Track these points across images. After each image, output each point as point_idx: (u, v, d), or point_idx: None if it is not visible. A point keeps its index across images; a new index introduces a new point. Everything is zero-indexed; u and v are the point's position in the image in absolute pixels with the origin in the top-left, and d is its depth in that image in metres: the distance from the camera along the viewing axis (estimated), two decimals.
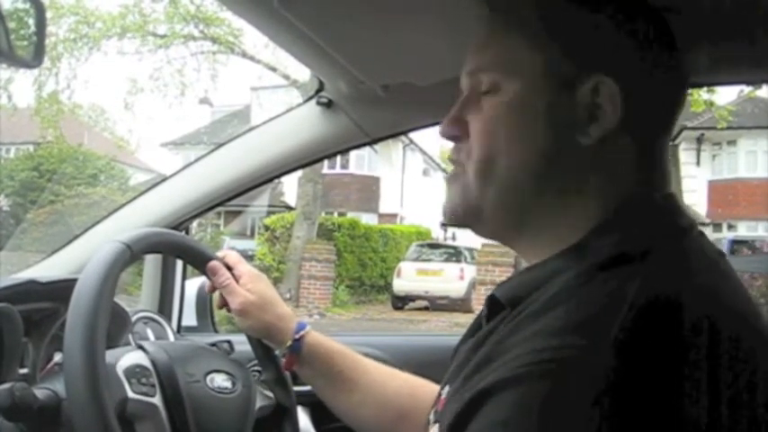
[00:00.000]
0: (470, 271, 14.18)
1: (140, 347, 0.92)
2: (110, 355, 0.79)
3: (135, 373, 0.86)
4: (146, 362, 0.88)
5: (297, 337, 1.00)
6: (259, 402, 0.98)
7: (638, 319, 0.53)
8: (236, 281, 1.00)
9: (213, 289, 1.02)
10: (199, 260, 1.01)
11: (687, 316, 0.54)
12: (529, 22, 0.68)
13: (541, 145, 0.66)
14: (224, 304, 1.01)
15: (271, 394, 1.02)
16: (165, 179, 1.54)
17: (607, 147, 0.65)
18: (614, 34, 0.66)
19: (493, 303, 0.70)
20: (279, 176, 1.49)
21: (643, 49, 0.66)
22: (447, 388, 0.70)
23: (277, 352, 1.03)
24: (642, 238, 0.61)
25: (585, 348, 0.52)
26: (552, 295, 0.59)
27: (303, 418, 1.17)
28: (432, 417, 0.70)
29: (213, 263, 1.00)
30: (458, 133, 0.71)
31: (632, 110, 0.64)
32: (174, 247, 1.01)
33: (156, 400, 0.86)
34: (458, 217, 0.72)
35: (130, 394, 0.84)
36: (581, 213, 0.65)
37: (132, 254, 0.83)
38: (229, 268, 1.01)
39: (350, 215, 18.78)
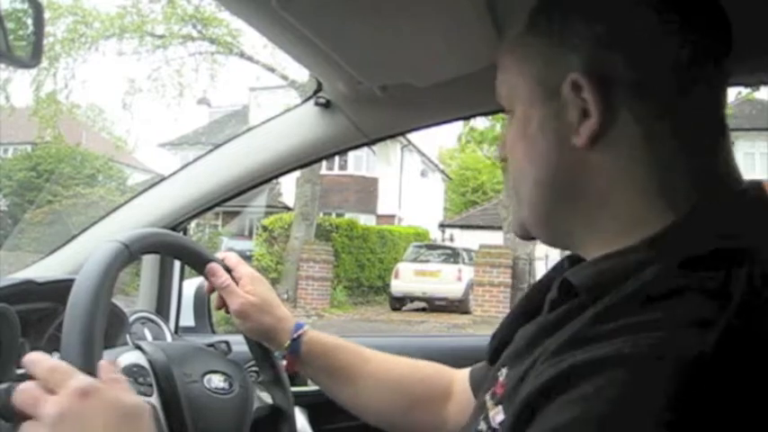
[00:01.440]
0: (468, 272, 14.20)
1: (138, 347, 0.92)
2: (107, 354, 0.79)
3: (132, 372, 0.86)
4: (143, 362, 0.88)
5: (294, 336, 1.00)
6: (256, 404, 0.97)
7: (745, 324, 0.51)
8: (236, 283, 1.00)
9: (212, 290, 1.02)
10: (198, 261, 1.00)
11: None
12: (512, 47, 0.72)
13: (545, 157, 0.67)
14: (223, 305, 1.01)
15: (268, 396, 1.02)
16: (163, 179, 1.54)
17: (617, 141, 0.63)
18: (581, 28, 0.65)
19: (567, 288, 0.66)
20: (277, 177, 1.49)
21: (617, 29, 0.64)
22: (504, 370, 0.69)
23: (277, 354, 1.03)
24: (734, 233, 0.59)
25: (697, 344, 0.49)
26: (648, 288, 0.56)
27: (300, 419, 1.17)
28: (488, 399, 0.69)
29: (213, 264, 1.00)
30: (504, 155, 0.75)
31: (630, 91, 0.62)
32: (173, 248, 1.01)
33: (154, 399, 0.86)
34: (517, 234, 0.76)
35: None
36: (639, 207, 0.63)
37: (130, 253, 0.83)
38: (229, 270, 1.01)
39: (348, 216, 18.80)
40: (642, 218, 0.62)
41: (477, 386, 0.89)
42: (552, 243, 0.74)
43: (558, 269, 0.78)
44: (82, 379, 0.64)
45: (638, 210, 0.63)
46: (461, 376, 0.99)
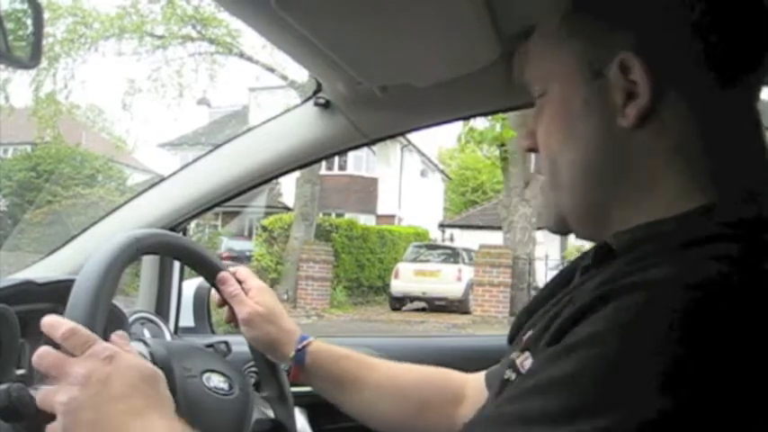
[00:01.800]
0: (468, 272, 14.21)
1: (141, 340, 0.92)
2: None
3: None
4: (144, 351, 0.88)
5: (299, 347, 1.00)
6: (257, 415, 0.97)
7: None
8: (246, 293, 1.01)
9: (222, 303, 1.03)
10: (208, 269, 1.02)
11: None
12: (551, 27, 0.71)
13: (588, 138, 0.67)
14: (233, 318, 1.02)
15: (270, 412, 1.02)
16: (162, 180, 1.54)
17: (665, 122, 0.63)
18: (632, 9, 0.65)
19: (602, 252, 0.70)
20: (277, 177, 1.49)
21: (666, 12, 0.64)
22: (530, 332, 0.69)
23: (283, 366, 1.03)
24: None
25: (733, 277, 0.52)
26: (681, 236, 0.58)
27: (300, 419, 1.17)
28: (513, 356, 0.69)
29: (224, 273, 1.01)
30: (532, 145, 0.74)
31: (675, 76, 0.63)
32: (184, 253, 1.01)
33: None
34: (551, 227, 0.74)
35: None
36: (683, 190, 0.63)
37: (138, 248, 0.84)
38: (239, 281, 1.02)
39: (348, 216, 18.80)
40: (684, 201, 0.62)
41: (493, 383, 0.88)
42: (590, 232, 0.71)
43: (583, 258, 0.79)
44: (105, 344, 0.69)
45: (682, 193, 0.63)
46: (475, 379, 1.00)
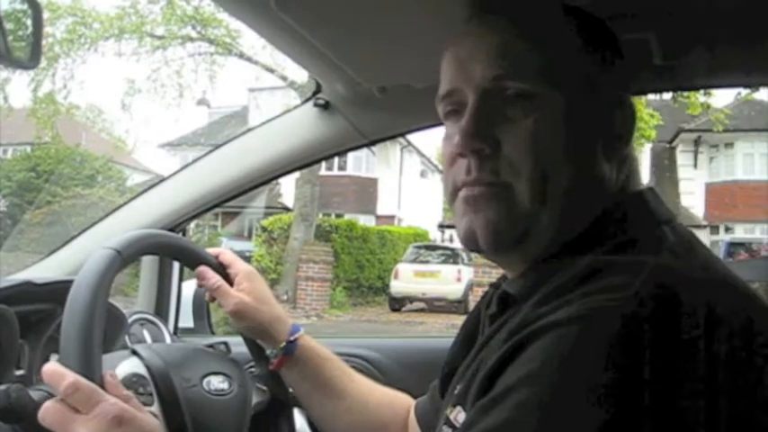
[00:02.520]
0: (468, 273, 14.18)
1: (134, 352, 0.91)
2: (106, 363, 0.78)
3: (132, 383, 0.85)
4: (141, 369, 0.87)
5: (291, 339, 1.00)
6: (255, 398, 0.97)
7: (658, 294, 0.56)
8: (232, 280, 0.99)
9: (213, 299, 1.01)
10: (191, 260, 1.00)
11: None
12: (568, 32, 0.70)
13: (590, 158, 0.68)
14: (213, 300, 1.01)
15: (265, 389, 1.02)
16: (162, 180, 1.54)
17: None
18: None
19: (504, 299, 0.71)
20: (276, 178, 1.49)
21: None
22: (458, 386, 0.72)
23: (268, 352, 1.02)
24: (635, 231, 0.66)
25: (622, 301, 0.55)
26: (576, 273, 0.61)
27: (299, 419, 1.17)
28: (447, 412, 0.71)
29: (201, 268, 0.98)
30: (486, 148, 0.67)
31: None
32: (166, 248, 1.00)
33: (155, 408, 0.85)
34: (499, 240, 0.68)
35: None
36: (581, 214, 0.69)
37: (123, 259, 0.83)
38: (225, 267, 1.00)
39: (347, 217, 18.78)
40: (575, 225, 0.69)
41: (422, 417, 0.96)
42: (530, 254, 0.71)
43: (486, 296, 0.82)
44: (113, 403, 0.66)
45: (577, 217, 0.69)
46: (413, 405, 1.02)
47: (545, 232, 0.67)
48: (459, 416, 0.67)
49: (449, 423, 0.68)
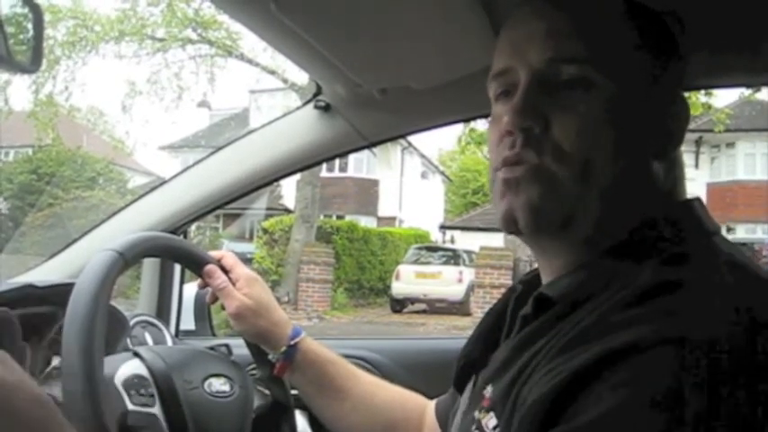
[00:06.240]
0: (469, 274, 14.19)
1: (136, 354, 0.92)
2: (107, 365, 0.79)
3: (134, 384, 0.86)
4: (143, 371, 0.88)
5: (292, 343, 1.00)
6: (256, 401, 0.98)
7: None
8: (233, 283, 1.00)
9: (214, 300, 1.02)
10: (194, 263, 1.01)
11: None
12: (625, 24, 0.68)
13: (641, 154, 0.67)
14: (215, 301, 1.02)
15: (267, 392, 1.02)
16: (163, 182, 1.54)
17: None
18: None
19: (541, 302, 0.67)
20: (277, 180, 1.49)
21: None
22: (489, 387, 0.68)
23: (270, 356, 1.02)
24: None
25: (727, 326, 0.53)
26: (645, 285, 0.57)
27: (301, 421, 1.17)
28: (477, 413, 0.67)
29: (210, 266, 0.99)
30: (535, 126, 0.65)
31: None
32: (168, 251, 1.01)
33: (156, 410, 0.86)
34: (540, 221, 0.66)
35: (130, 406, 0.84)
36: (628, 210, 0.66)
37: (125, 261, 0.83)
38: (226, 271, 1.01)
39: (348, 218, 18.78)
40: (617, 223, 0.66)
41: (443, 416, 0.92)
42: (569, 242, 0.68)
43: (512, 291, 0.78)
44: None
45: (621, 214, 0.66)
46: (431, 406, 1.01)
47: (590, 221, 0.65)
48: (490, 421, 0.64)
49: (480, 428, 0.65)
